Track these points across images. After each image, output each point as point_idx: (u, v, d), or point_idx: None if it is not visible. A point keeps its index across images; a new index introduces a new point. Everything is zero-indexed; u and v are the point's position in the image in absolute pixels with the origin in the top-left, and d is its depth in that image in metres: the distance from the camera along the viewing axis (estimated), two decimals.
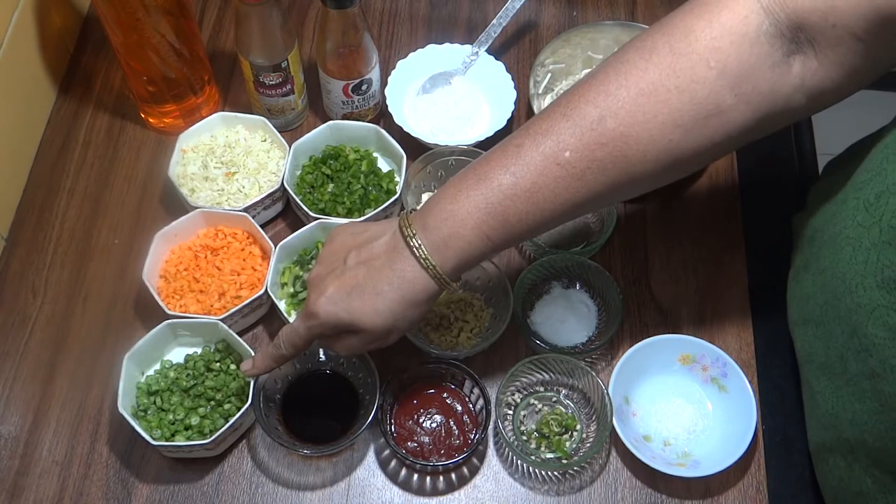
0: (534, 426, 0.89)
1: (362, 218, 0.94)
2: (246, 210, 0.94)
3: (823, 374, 0.78)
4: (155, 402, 0.86)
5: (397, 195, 0.95)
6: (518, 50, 1.13)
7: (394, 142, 0.98)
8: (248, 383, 0.85)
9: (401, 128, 1.00)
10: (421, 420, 0.87)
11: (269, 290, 0.89)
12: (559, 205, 0.71)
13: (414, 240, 0.72)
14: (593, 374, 0.86)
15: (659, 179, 0.73)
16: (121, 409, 0.83)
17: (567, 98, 0.71)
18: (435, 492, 0.86)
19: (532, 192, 0.70)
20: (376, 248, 0.75)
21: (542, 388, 0.90)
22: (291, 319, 0.90)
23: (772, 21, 0.66)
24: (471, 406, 0.88)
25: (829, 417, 0.77)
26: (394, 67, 1.05)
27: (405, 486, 0.87)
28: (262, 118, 1.00)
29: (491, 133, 1.00)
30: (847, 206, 0.75)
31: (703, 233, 1.00)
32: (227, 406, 0.86)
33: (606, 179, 0.70)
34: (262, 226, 0.95)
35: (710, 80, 0.67)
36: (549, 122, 0.70)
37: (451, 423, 0.87)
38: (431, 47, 1.07)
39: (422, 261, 0.72)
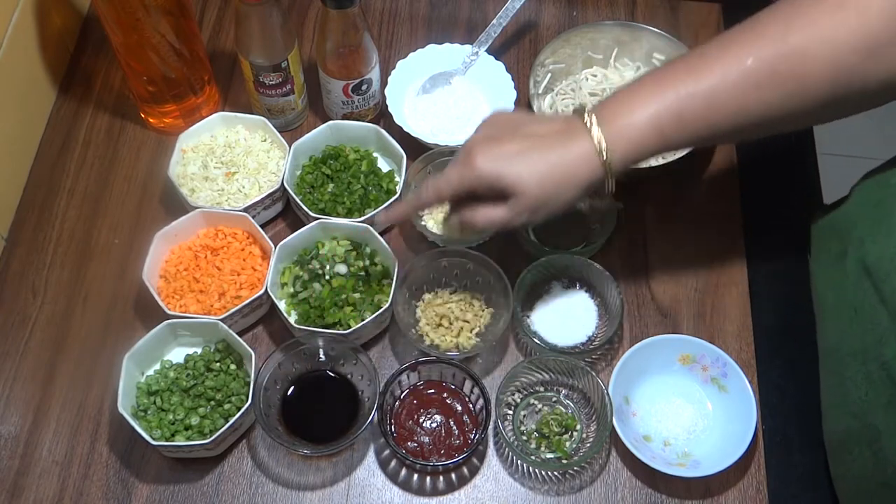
0: (534, 426, 0.89)
1: (362, 218, 0.94)
2: (246, 210, 0.94)
3: (856, 360, 0.78)
4: (155, 402, 0.86)
5: (397, 195, 0.95)
6: (518, 50, 1.13)
7: (394, 142, 0.98)
8: (248, 383, 0.85)
9: (401, 128, 1.00)
10: (421, 420, 0.87)
11: (269, 290, 0.89)
12: (734, 113, 0.74)
13: (592, 124, 0.76)
14: (593, 374, 0.86)
15: (830, 109, 0.75)
16: (121, 409, 0.83)
17: (754, 18, 0.74)
18: (435, 492, 0.86)
19: (710, 94, 0.73)
20: (546, 128, 0.78)
21: (542, 388, 0.90)
22: (292, 319, 0.90)
23: None
24: (471, 406, 0.88)
25: (861, 404, 0.77)
26: (394, 67, 1.05)
27: (405, 486, 0.87)
28: (262, 118, 1.00)
29: None
30: None
31: (703, 233, 1.00)
32: (227, 406, 0.86)
33: (782, 94, 0.73)
34: (262, 226, 0.95)
35: (890, 8, 0.68)
36: (736, 35, 0.74)
37: (451, 423, 0.87)
38: (431, 47, 1.07)
39: (596, 144, 0.75)
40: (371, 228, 0.92)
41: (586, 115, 0.77)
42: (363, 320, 0.88)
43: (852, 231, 0.83)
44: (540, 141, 0.77)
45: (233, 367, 0.88)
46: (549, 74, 1.06)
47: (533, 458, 0.86)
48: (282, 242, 0.91)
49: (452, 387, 0.89)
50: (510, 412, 0.89)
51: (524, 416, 0.89)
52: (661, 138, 0.75)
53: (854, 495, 0.81)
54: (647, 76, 0.77)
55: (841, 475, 0.83)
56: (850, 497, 0.82)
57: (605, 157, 0.75)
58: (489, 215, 0.79)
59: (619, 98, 0.77)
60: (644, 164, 0.99)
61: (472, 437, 0.86)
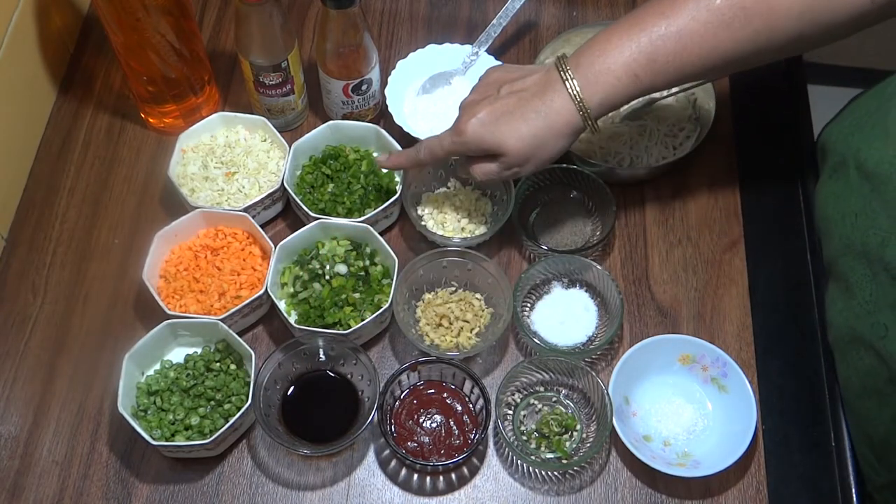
0: (534, 426, 0.89)
1: (362, 218, 0.94)
2: (246, 210, 0.94)
3: (859, 263, 0.81)
4: (155, 402, 0.86)
5: (397, 195, 0.95)
6: (518, 50, 1.13)
7: (394, 142, 0.98)
8: (248, 383, 0.85)
9: (401, 128, 1.00)
10: (421, 420, 0.87)
11: (269, 290, 0.89)
12: (705, 51, 0.78)
13: (566, 73, 0.80)
14: (593, 374, 0.86)
15: (797, 43, 0.78)
16: (121, 409, 0.83)
17: None
18: (435, 492, 0.86)
19: (681, 35, 0.77)
20: (528, 82, 0.83)
21: (542, 388, 0.90)
22: (292, 319, 0.90)
23: None
24: (471, 406, 0.88)
25: (867, 305, 0.80)
26: (394, 67, 1.05)
27: (405, 486, 0.87)
28: (262, 118, 1.00)
29: None
30: None
31: (703, 233, 1.00)
32: (227, 406, 0.86)
33: (752, 31, 0.76)
34: (262, 226, 0.95)
35: None
36: None
37: (451, 423, 0.87)
38: (431, 47, 1.07)
39: (571, 94, 0.80)
40: (371, 229, 0.92)
41: (562, 64, 0.81)
42: (363, 320, 0.88)
43: (850, 140, 0.86)
44: (520, 98, 0.82)
45: (233, 367, 0.88)
46: None
47: (533, 458, 0.86)
48: (282, 242, 0.91)
49: (452, 387, 0.89)
50: (510, 412, 0.89)
51: (524, 416, 0.89)
52: (635, 82, 0.79)
53: (860, 394, 0.83)
54: (621, 21, 0.81)
55: (847, 376, 0.85)
56: (856, 395, 0.84)
57: (580, 104, 0.80)
58: (485, 170, 0.86)
59: (594, 45, 0.81)
60: (644, 165, 0.99)
61: (472, 437, 0.86)
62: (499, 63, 1.05)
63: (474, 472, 0.87)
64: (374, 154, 1.00)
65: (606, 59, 0.79)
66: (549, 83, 0.82)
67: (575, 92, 0.80)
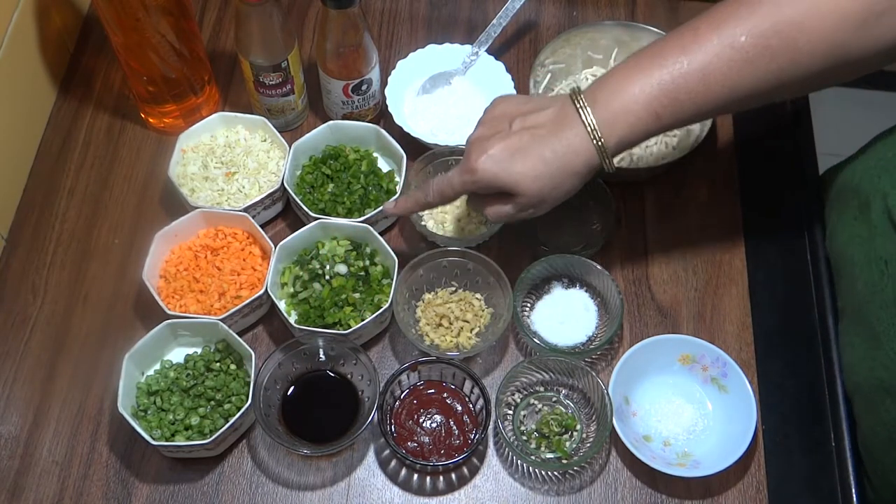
0: (534, 426, 0.89)
1: (362, 218, 0.94)
2: (246, 210, 0.94)
3: (887, 312, 0.79)
4: (155, 402, 0.86)
5: (397, 195, 0.95)
6: (518, 50, 1.13)
7: (394, 142, 0.98)
8: (248, 383, 0.85)
9: (401, 128, 1.00)
10: (421, 420, 0.87)
11: (269, 290, 0.89)
12: (728, 88, 0.74)
13: (584, 111, 0.76)
14: (593, 374, 0.86)
15: (825, 77, 0.75)
16: (121, 409, 0.83)
17: None
18: (435, 492, 0.86)
19: (705, 72, 0.73)
20: (542, 117, 0.78)
21: (542, 388, 0.90)
22: (292, 319, 0.90)
23: None
24: (471, 406, 0.88)
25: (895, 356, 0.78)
26: (394, 67, 1.05)
27: (405, 486, 0.87)
28: (262, 118, 1.00)
29: None
30: None
31: (703, 233, 1.00)
32: (227, 406, 0.86)
33: (776, 68, 0.73)
34: (262, 226, 0.95)
35: None
36: (728, 10, 0.74)
37: (451, 423, 0.87)
38: (431, 47, 1.07)
39: (590, 132, 0.75)
40: (371, 229, 0.92)
41: (579, 99, 0.76)
42: (363, 320, 0.88)
43: (876, 182, 0.83)
44: (534, 134, 0.77)
45: (233, 367, 0.88)
46: (549, 74, 1.06)
47: (533, 458, 0.86)
48: (282, 242, 0.91)
49: (452, 387, 0.89)
50: (510, 412, 0.89)
51: (524, 416, 0.89)
52: (656, 120, 0.76)
53: (888, 445, 0.81)
54: (641, 54, 0.77)
55: (872, 426, 0.83)
56: (883, 446, 0.82)
57: (599, 143, 0.76)
58: (497, 210, 0.81)
59: (612, 80, 0.77)
60: (644, 165, 1.00)
61: (472, 437, 0.86)
62: (500, 63, 1.06)
63: (474, 472, 0.87)
64: (374, 154, 1.01)
65: (626, 97, 0.75)
66: (565, 119, 0.77)
67: (593, 130, 0.75)
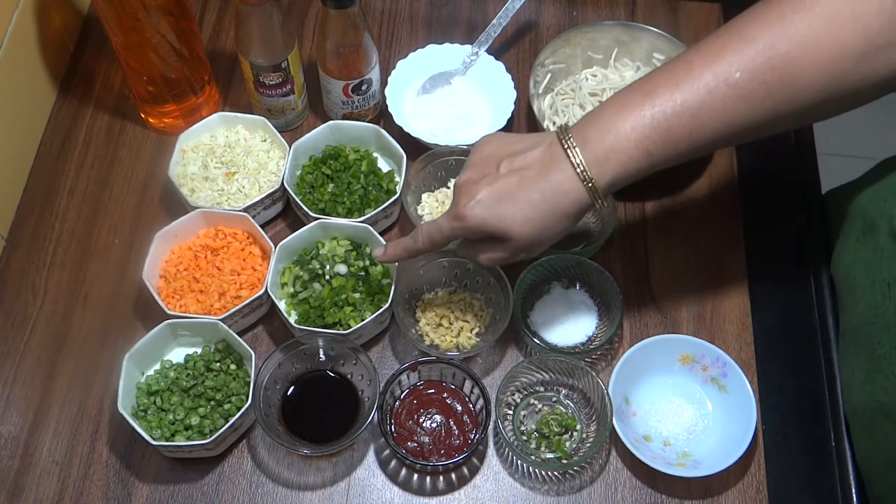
0: (534, 426, 0.89)
1: (362, 218, 0.94)
2: (246, 210, 0.94)
3: (889, 334, 0.77)
4: (155, 402, 0.86)
5: (397, 195, 0.95)
6: (518, 50, 1.13)
7: (394, 142, 0.98)
8: (248, 383, 0.85)
9: (401, 128, 1.00)
10: (421, 420, 0.87)
11: (269, 290, 0.89)
12: (723, 125, 0.71)
13: (573, 151, 0.73)
14: (593, 374, 0.86)
15: (820, 111, 0.73)
16: (121, 409, 0.83)
17: (741, 20, 0.72)
18: (435, 492, 0.86)
19: (699, 109, 0.70)
20: (530, 158, 0.75)
21: (542, 388, 0.90)
22: (292, 319, 0.90)
23: None
24: (471, 406, 0.88)
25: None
26: (394, 67, 1.05)
27: (405, 486, 0.87)
28: (262, 118, 1.00)
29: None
30: None
31: (703, 233, 1.00)
32: (227, 406, 0.86)
33: (772, 104, 0.70)
34: (262, 226, 0.95)
35: (885, 10, 0.66)
36: (722, 42, 0.71)
37: (451, 423, 0.87)
38: (431, 47, 1.07)
39: (579, 173, 0.73)
40: (371, 228, 0.92)
41: (567, 139, 0.73)
42: (363, 320, 0.88)
43: (882, 205, 0.81)
44: (522, 177, 0.74)
45: (233, 367, 0.88)
46: (549, 74, 1.06)
47: (533, 458, 0.86)
48: (282, 242, 0.91)
49: (452, 387, 0.89)
50: (510, 412, 0.89)
51: (524, 416, 0.89)
52: (648, 159, 0.73)
53: (885, 470, 0.80)
54: (631, 89, 0.74)
55: (869, 450, 0.82)
56: (880, 471, 0.81)
57: (590, 185, 0.73)
58: (490, 257, 0.79)
59: (601, 118, 0.73)
60: None
61: (472, 437, 0.86)
62: (500, 63, 1.06)
63: (474, 472, 0.87)
64: (374, 154, 1.01)
65: (617, 135, 0.72)
66: (554, 160, 0.74)
67: (583, 171, 0.72)
